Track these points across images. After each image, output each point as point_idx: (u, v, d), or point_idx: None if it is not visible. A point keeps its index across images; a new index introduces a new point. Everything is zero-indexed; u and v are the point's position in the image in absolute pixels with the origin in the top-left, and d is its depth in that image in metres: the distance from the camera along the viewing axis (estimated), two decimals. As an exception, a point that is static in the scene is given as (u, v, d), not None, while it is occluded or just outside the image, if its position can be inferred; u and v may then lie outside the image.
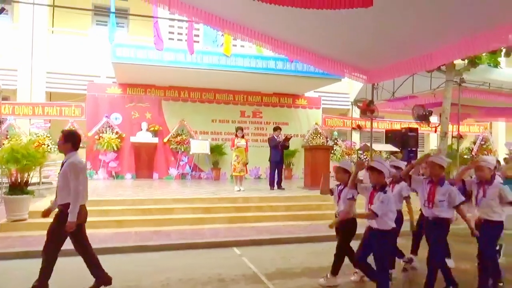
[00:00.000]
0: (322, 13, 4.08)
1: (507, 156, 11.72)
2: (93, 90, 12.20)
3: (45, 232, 3.76)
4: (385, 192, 3.65)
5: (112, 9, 10.07)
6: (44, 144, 10.74)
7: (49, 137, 11.11)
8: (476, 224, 4.11)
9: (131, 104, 12.44)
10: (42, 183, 10.13)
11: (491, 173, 4.17)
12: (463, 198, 3.92)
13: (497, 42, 4.50)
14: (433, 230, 3.99)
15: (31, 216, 6.61)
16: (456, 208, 3.90)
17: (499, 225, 4.13)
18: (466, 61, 8.88)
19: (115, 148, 11.81)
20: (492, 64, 9.51)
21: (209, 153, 12.49)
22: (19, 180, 6.72)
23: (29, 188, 6.87)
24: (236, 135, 9.74)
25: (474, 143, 16.15)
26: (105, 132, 11.85)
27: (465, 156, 14.12)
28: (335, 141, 14.14)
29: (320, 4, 3.74)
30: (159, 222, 6.92)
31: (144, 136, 12.14)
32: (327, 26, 4.95)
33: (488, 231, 4.08)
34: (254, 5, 4.22)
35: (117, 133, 11.95)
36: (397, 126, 15.16)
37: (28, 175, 6.87)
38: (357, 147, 14.09)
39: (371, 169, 3.75)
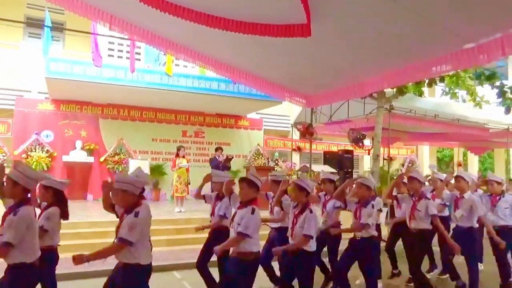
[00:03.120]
0: (264, 39, 4.26)
1: (430, 177, 12.73)
2: (22, 106, 11.38)
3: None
4: None
5: (48, 23, 9.59)
6: (-38, 163, 9.76)
7: (-32, 155, 10.14)
8: None
9: (65, 121, 11.78)
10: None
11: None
12: None
13: (422, 74, 4.97)
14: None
15: None
16: None
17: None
18: (394, 89, 9.65)
19: (45, 168, 11.02)
20: (417, 93, 10.43)
21: (149, 174, 12.12)
22: None
23: None
24: (177, 155, 9.60)
25: (403, 165, 17.37)
26: (34, 150, 11.05)
27: (395, 177, 15.11)
28: (276, 161, 14.44)
29: (261, 31, 3.91)
30: (94, 247, 6.50)
31: (78, 155, 11.50)
32: (268, 52, 5.14)
33: None
34: (198, 28, 4.30)
35: (47, 151, 11.20)
36: (334, 148, 15.90)
37: None
38: (297, 168, 14.51)
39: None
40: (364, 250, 4.36)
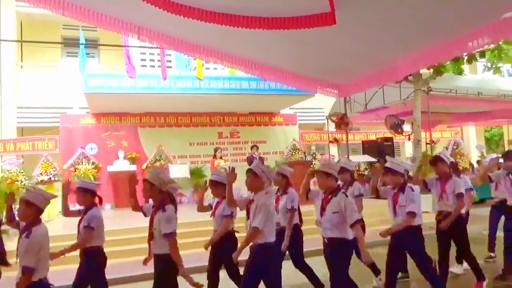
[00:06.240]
0: (289, 33, 4.22)
1: (479, 159, 12.13)
2: (66, 122, 12.00)
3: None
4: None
5: (82, 41, 10.04)
6: (18, 181, 10.40)
7: (22, 173, 10.77)
8: None
9: (106, 133, 12.28)
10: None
11: None
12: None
13: (458, 50, 4.72)
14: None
15: (6, 256, 6.34)
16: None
17: None
18: (431, 70, 9.26)
19: (92, 179, 11.53)
20: (456, 72, 9.95)
21: (189, 177, 12.38)
22: (-9, 220, 6.46)
23: (2, 228, 6.62)
24: (215, 156, 9.73)
25: (447, 148, 16.60)
26: (81, 163, 11.60)
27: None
28: (314, 155, 14.27)
29: (286, 25, 3.87)
30: (143, 251, 6.74)
31: (121, 165, 11.94)
32: (295, 45, 5.09)
33: None
34: (223, 29, 4.32)
35: (93, 163, 11.72)
36: (372, 137, 15.49)
37: (2, 213, 6.64)
38: (336, 160, 14.28)
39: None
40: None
